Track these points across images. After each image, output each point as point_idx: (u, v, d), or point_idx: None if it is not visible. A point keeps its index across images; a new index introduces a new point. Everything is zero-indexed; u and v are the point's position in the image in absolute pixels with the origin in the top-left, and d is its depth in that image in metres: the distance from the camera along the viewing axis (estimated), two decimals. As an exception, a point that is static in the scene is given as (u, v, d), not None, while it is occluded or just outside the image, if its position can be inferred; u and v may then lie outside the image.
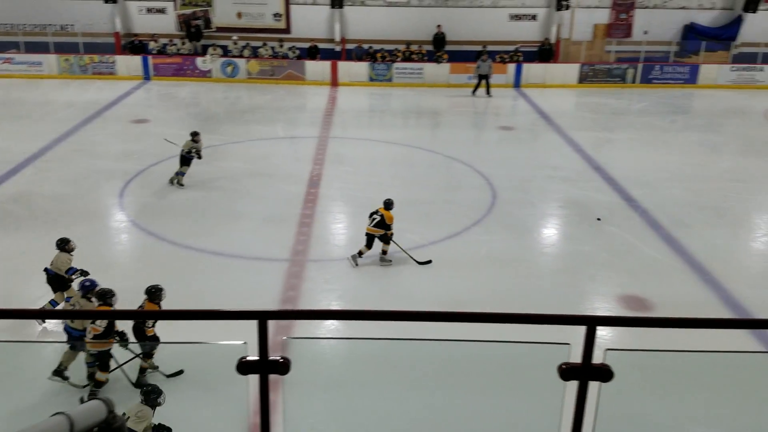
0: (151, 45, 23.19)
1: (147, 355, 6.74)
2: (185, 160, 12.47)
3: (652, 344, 2.70)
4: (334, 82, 22.69)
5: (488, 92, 21.04)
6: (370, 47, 23.14)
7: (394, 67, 22.67)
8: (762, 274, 9.69)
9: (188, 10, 23.82)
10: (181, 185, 12.45)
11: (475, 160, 14.33)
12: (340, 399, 4.83)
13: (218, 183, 12.79)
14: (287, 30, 23.96)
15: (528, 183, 13.11)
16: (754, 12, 22.46)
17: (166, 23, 23.85)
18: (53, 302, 7.79)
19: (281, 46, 23.25)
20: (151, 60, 22.65)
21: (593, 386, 2.33)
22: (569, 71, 22.65)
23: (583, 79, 22.56)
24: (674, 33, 23.56)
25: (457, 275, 9.29)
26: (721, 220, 11.34)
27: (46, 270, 7.77)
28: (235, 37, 23.43)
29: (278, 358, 2.28)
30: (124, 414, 5.39)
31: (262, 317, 2.22)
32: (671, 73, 22.33)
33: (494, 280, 9.19)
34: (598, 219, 11.25)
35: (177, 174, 12.49)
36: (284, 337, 5.72)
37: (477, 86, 21.17)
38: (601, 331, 7.30)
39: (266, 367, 2.26)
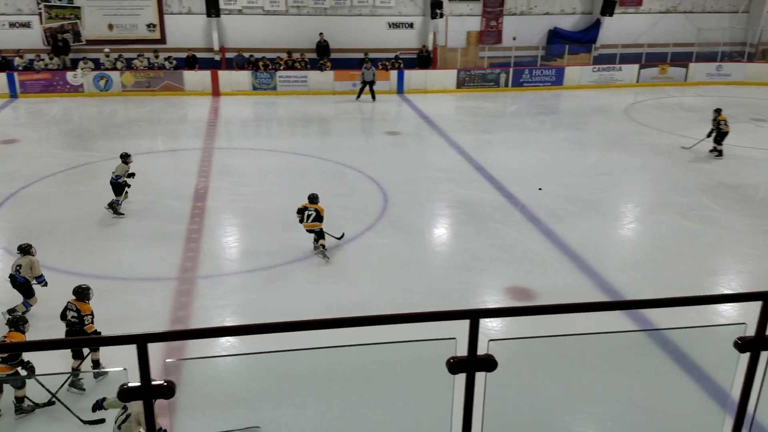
0: (17, 61, 21.58)
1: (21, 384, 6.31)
2: (118, 187, 11.43)
3: (537, 331, 2.81)
4: (216, 92, 22.15)
5: (373, 97, 21.54)
6: (251, 56, 22.82)
7: (277, 76, 22.49)
8: (630, 258, 10.55)
9: (55, 24, 22.35)
10: (121, 215, 11.39)
11: (365, 166, 14.52)
12: (239, 416, 4.75)
13: (97, 203, 12.10)
14: (162, 40, 23.11)
15: (417, 185, 13.47)
16: (610, 15, 24.42)
17: (32, 38, 22.24)
18: (26, 304, 8.06)
19: (157, 56, 22.39)
20: (17, 77, 21.10)
21: (483, 377, 2.43)
22: (447, 77, 23.52)
23: (460, 84, 23.51)
24: (540, 38, 25.14)
25: (353, 280, 9.39)
26: (592, 211, 12.22)
27: (12, 276, 7.96)
28: (107, 50, 22.27)
29: (162, 382, 2.19)
30: None
31: (141, 341, 2.13)
32: (539, 76, 23.79)
33: (390, 282, 9.36)
34: (540, 189, 12.99)
35: (113, 203, 11.37)
36: (167, 360, 5.53)
37: (360, 92, 21.66)
38: (492, 323, 7.63)
39: (149, 393, 2.16)
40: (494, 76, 23.55)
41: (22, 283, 8.00)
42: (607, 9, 24.23)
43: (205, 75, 22.19)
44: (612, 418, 6.47)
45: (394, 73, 23.00)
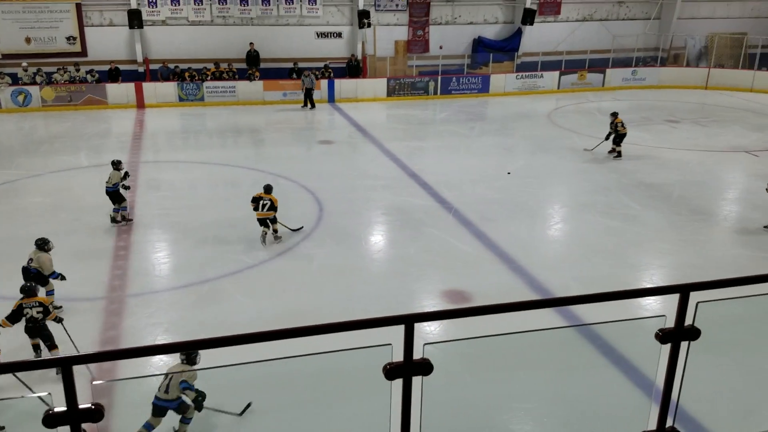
0: (-74, 78, 20.32)
1: None
2: (116, 195, 11.34)
3: (473, 333, 2.81)
4: (140, 105, 21.53)
5: (312, 105, 21.73)
6: (177, 67, 22.32)
7: (204, 86, 22.08)
8: (557, 257, 10.93)
9: (-33, 38, 21.19)
10: (129, 220, 11.60)
11: (299, 176, 14.45)
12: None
13: (17, 222, 11.51)
14: (83, 53, 22.29)
15: (352, 194, 13.52)
16: (531, 24, 25.30)
17: (-58, 53, 21.01)
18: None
19: (78, 70, 21.56)
20: (-72, 94, 19.87)
21: (420, 381, 2.44)
22: (378, 85, 23.74)
23: (391, 92, 23.77)
24: (466, 47, 25.77)
25: (290, 291, 9.31)
26: (521, 213, 12.59)
27: (25, 268, 8.25)
28: (24, 64, 21.28)
29: (90, 405, 2.11)
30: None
31: (66, 364, 2.05)
32: (466, 83, 24.37)
33: (328, 291, 9.34)
34: (508, 173, 14.21)
35: (116, 212, 11.43)
36: (94, 382, 5.33)
37: (306, 100, 21.79)
38: (430, 327, 7.72)
39: (76, 417, 2.09)
40: (423, 84, 23.94)
41: (34, 275, 8.29)
42: (528, 18, 25.10)
43: (129, 87, 21.53)
44: (548, 414, 6.67)
45: (324, 82, 23.02)
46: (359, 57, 24.30)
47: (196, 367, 5.58)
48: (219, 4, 23.00)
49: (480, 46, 25.75)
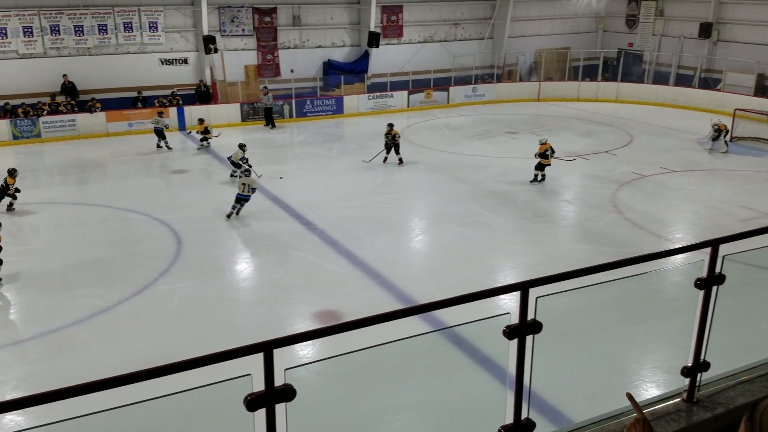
0: None
1: None
2: None
3: (342, 351, 2.79)
4: (-34, 145, 19.49)
5: (273, 125, 22.78)
6: (7, 103, 20.50)
7: (41, 122, 20.46)
8: (421, 268, 11.41)
9: None
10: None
11: (152, 209, 13.82)
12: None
13: None
14: None
15: (211, 223, 13.16)
16: (377, 47, 26.22)
17: None
18: None
19: None
20: None
21: (285, 407, 2.37)
22: (231, 111, 23.36)
23: (245, 117, 23.49)
24: (317, 70, 26.16)
25: (150, 331, 8.87)
26: (384, 229, 12.99)
27: None
28: None
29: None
30: None
31: None
32: (321, 106, 24.71)
33: (193, 326, 9.02)
34: (281, 177, 15.33)
35: None
36: None
37: (267, 120, 22.80)
38: (304, 351, 7.70)
39: None
40: (278, 108, 23.91)
41: None
42: (373, 41, 26.02)
43: (-51, 126, 19.42)
44: (420, 422, 6.93)
45: (173, 110, 22.23)
46: (208, 83, 23.79)
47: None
48: (51, 35, 21.46)
49: (330, 68, 26.25)
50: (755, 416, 1.54)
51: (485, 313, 2.94)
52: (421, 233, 13.44)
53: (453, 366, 7.70)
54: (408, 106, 26.12)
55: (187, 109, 22.51)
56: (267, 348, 2.27)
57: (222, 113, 23.18)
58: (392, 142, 17.49)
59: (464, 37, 29.10)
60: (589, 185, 15.81)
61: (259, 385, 2.31)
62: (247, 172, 14.02)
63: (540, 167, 15.79)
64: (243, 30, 24.59)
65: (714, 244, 3.33)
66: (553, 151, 15.76)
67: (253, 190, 13.55)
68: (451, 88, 27.10)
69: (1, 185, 13.90)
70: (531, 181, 15.79)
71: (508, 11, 28.46)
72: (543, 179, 15.82)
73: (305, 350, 7.85)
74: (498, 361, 7.27)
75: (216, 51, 23.40)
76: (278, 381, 2.36)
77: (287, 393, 2.31)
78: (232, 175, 16.18)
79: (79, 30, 21.74)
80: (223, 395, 2.53)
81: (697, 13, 27.14)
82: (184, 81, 23.65)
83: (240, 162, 15.71)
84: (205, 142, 19.64)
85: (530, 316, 2.77)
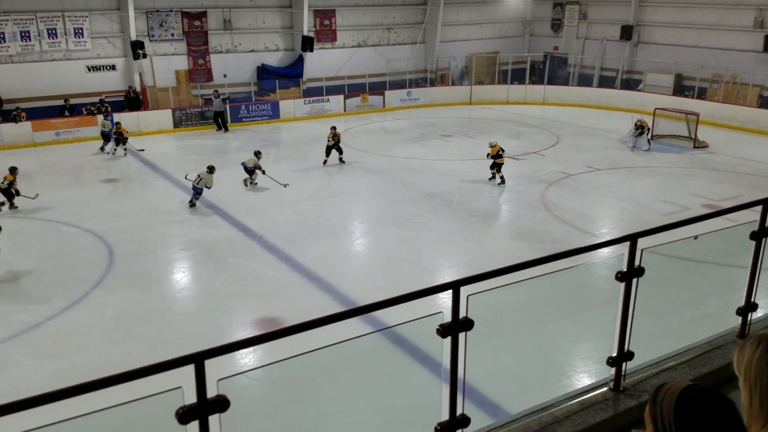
0: None
1: None
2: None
3: (283, 357, 2.84)
4: None
5: (226, 129, 22.68)
6: None
7: (-44, 132, 19.43)
8: (362, 270, 11.52)
9: None
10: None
11: (82, 220, 13.39)
12: None
13: None
14: None
15: (146, 232, 12.87)
16: (311, 51, 26.19)
17: None
18: None
19: None
20: None
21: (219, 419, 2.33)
22: (162, 117, 22.83)
23: (178, 123, 23.01)
24: (250, 74, 25.89)
25: (83, 346, 8.61)
26: (324, 233, 13.02)
27: None
28: None
29: None
30: None
31: None
32: (257, 111, 24.46)
33: (127, 339, 8.81)
34: (285, 185, 15.46)
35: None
36: None
37: (218, 123, 22.74)
38: (245, 360, 7.65)
39: None
40: (211, 113, 23.53)
41: None
42: (307, 45, 25.97)
43: None
44: (363, 424, 7.02)
45: (102, 118, 21.54)
46: (138, 89, 23.17)
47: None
48: (-32, 42, 20.45)
49: (265, 73, 26.02)
50: (657, 398, 1.68)
51: (428, 313, 3.04)
52: (362, 236, 13.56)
53: (395, 366, 7.83)
54: (345, 111, 26.20)
55: (116, 116, 21.85)
56: (198, 359, 2.24)
57: (153, 120, 22.63)
58: (335, 145, 18.03)
59: (397, 41, 29.44)
60: (520, 185, 16.32)
61: (193, 397, 2.27)
62: (210, 170, 14.75)
63: (497, 168, 16.18)
64: (172, 34, 24.09)
65: (632, 239, 3.57)
66: (503, 151, 16.23)
67: (208, 187, 14.50)
68: (387, 92, 27.36)
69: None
70: (490, 179, 16.27)
71: (438, 16, 28.99)
72: (503, 181, 16.12)
73: (246, 359, 7.82)
74: (438, 359, 7.48)
75: (145, 56, 22.83)
76: (221, 390, 2.37)
77: (220, 404, 2.28)
78: (245, 182, 16.31)
79: (0, 37, 20.78)
80: (156, 409, 2.50)
81: (618, 16, 28.41)
82: (112, 88, 22.97)
83: (255, 169, 16.02)
84: (123, 146, 19.51)
85: (462, 313, 2.90)
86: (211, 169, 14.88)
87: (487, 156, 16.25)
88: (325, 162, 18.08)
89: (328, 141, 18.14)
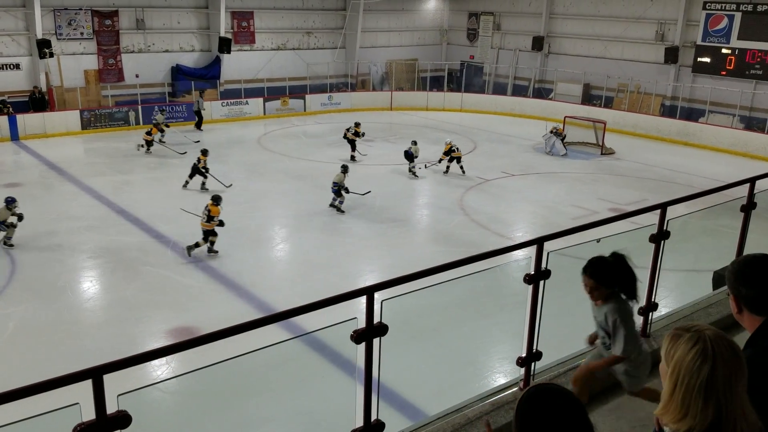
0: None
1: None
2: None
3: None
4: None
5: (200, 127, 22.97)
6: None
7: None
8: (282, 276, 11.38)
9: None
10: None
11: (-23, 228, 12.50)
12: None
13: None
14: None
15: (50, 240, 12.19)
16: (228, 53, 25.62)
17: None
18: None
19: None
20: None
21: None
22: (70, 118, 21.72)
23: (86, 125, 21.95)
24: (164, 75, 25.04)
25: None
26: (243, 239, 12.76)
27: None
28: None
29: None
30: None
31: None
32: (171, 112, 23.61)
33: (29, 353, 8.30)
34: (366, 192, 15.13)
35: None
36: None
37: (198, 121, 22.88)
38: (158, 372, 7.36)
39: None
40: (123, 114, 22.60)
41: None
42: (224, 47, 25.41)
43: None
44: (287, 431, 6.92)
45: (4, 119, 20.24)
46: (44, 89, 21.92)
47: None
48: None
49: (180, 74, 25.24)
50: (519, 404, 1.75)
51: (350, 317, 3.01)
52: (282, 242, 13.39)
53: (316, 373, 7.78)
54: (264, 114, 25.83)
55: (20, 117, 20.62)
56: (96, 374, 2.17)
57: (60, 121, 21.47)
58: (352, 138, 19.45)
59: (317, 45, 29.35)
60: (439, 190, 16.63)
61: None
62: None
63: (456, 161, 17.79)
64: (82, 33, 22.96)
65: (539, 242, 3.71)
66: (456, 147, 17.85)
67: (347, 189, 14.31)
68: (308, 96, 27.21)
69: (194, 164, 15.80)
70: (462, 174, 17.76)
71: (358, 22, 29.12)
72: (463, 171, 17.72)
73: (160, 371, 7.54)
74: (354, 362, 7.49)
75: (51, 55, 21.63)
76: (122, 405, 2.28)
77: (121, 420, 2.22)
78: (332, 205, 14.55)
79: None
80: (53, 426, 2.38)
81: (530, 27, 29.53)
82: (15, 87, 21.65)
83: (342, 189, 14.39)
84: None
85: (377, 319, 2.91)
86: (344, 169, 14.67)
87: (443, 154, 17.83)
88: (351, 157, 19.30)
89: (352, 135, 19.36)
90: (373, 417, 2.99)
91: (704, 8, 23.82)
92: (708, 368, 1.66)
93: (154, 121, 20.75)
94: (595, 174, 18.70)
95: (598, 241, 4.33)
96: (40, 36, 21.38)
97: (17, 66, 21.85)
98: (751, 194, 5.11)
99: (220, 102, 25.04)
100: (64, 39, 22.53)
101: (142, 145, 19.62)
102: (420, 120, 26.53)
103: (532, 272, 3.71)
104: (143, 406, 2.73)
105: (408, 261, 11.85)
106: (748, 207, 5.16)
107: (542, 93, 28.82)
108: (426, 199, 16.49)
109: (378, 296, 3.02)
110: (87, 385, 2.22)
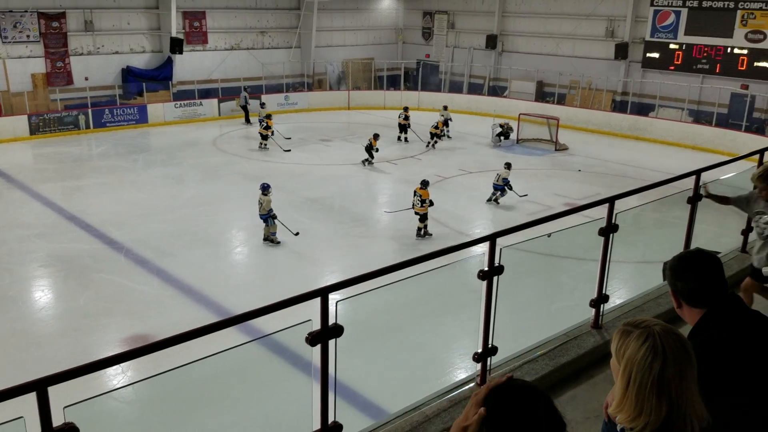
0: None
1: None
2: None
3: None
4: None
5: (247, 120, 24.19)
6: None
7: None
8: (241, 280, 11.23)
9: None
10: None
11: None
12: None
13: None
14: None
15: (-3, 250, 11.77)
16: (180, 53, 25.13)
17: None
18: None
19: None
20: None
21: None
22: (18, 123, 21.02)
23: (34, 130, 21.27)
24: (115, 77, 24.43)
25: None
26: (199, 243, 12.56)
27: None
28: None
29: None
30: None
31: None
32: (122, 115, 23.14)
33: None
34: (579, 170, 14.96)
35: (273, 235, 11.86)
36: None
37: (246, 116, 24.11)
38: (114, 381, 7.19)
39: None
40: (72, 119, 21.97)
41: None
42: (176, 47, 24.91)
43: None
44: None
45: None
46: (-13, 93, 21.17)
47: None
48: None
49: (130, 75, 24.67)
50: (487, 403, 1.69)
51: (312, 319, 2.96)
52: (240, 245, 13.23)
53: (275, 377, 7.71)
54: (219, 115, 25.47)
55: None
56: (40, 386, 2.11)
57: (7, 126, 20.75)
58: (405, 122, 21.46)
59: (272, 45, 29.07)
60: (398, 189, 16.67)
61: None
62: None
63: (434, 136, 20.72)
64: (28, 36, 22.23)
65: (491, 239, 3.74)
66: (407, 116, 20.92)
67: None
68: (263, 96, 26.93)
69: (367, 145, 17.48)
70: (442, 138, 20.95)
71: (313, 21, 28.94)
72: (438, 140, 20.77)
73: (116, 380, 7.37)
74: (317, 368, 7.45)
75: (-5, 58, 20.90)
76: (69, 418, 2.23)
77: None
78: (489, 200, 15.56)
79: None
80: None
81: (483, 25, 29.86)
82: (-44, 91, 20.84)
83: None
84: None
85: (332, 320, 2.90)
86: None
87: (432, 127, 20.84)
88: (406, 140, 21.74)
89: (404, 120, 21.26)
90: (330, 419, 2.98)
91: (652, 4, 24.50)
92: (659, 364, 1.67)
93: (262, 117, 20.91)
94: (550, 170, 19.04)
95: (549, 236, 4.41)
96: (-18, 39, 20.63)
97: (-41, 70, 21.05)
98: (697, 186, 5.29)
99: (173, 103, 24.56)
100: (9, 42, 21.78)
101: (263, 144, 20.42)
102: (378, 119, 26.53)
103: (486, 268, 3.74)
104: (95, 417, 2.66)
105: (369, 260, 11.85)
106: (695, 199, 5.34)
107: (497, 91, 29.18)
108: (385, 198, 16.52)
109: (335, 297, 3.01)
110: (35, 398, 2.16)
